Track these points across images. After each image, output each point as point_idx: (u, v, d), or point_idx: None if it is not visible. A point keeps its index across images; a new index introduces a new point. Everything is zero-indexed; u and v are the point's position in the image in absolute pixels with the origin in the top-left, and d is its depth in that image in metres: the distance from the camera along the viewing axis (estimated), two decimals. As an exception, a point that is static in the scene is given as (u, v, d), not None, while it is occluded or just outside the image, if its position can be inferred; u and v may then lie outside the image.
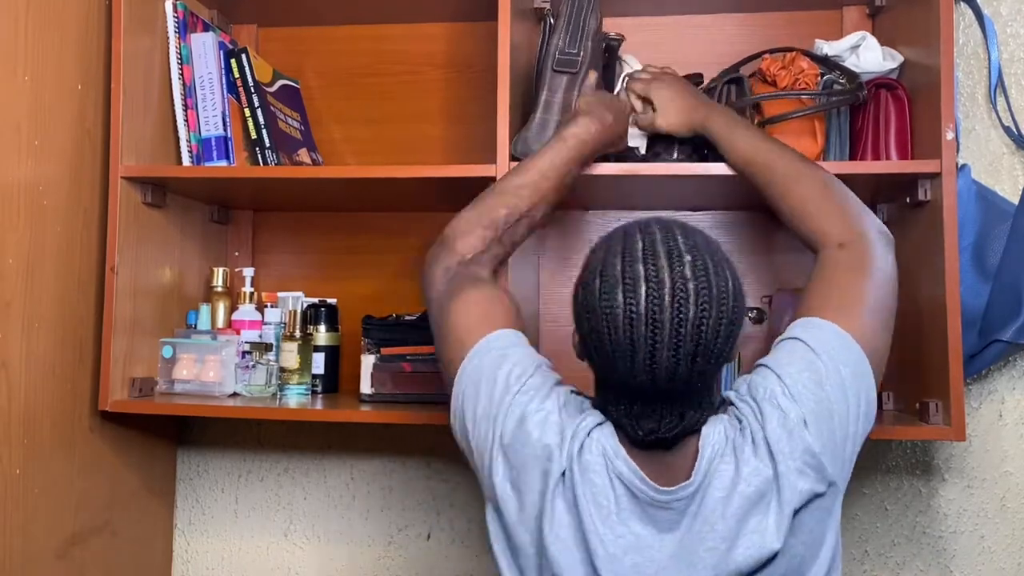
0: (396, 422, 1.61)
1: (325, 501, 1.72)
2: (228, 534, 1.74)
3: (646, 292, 0.86)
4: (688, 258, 0.88)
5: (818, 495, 0.91)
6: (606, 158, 1.34)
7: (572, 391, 0.99)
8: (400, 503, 1.69)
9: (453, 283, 1.06)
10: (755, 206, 1.59)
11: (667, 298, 0.85)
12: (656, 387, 0.88)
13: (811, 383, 0.92)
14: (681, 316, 0.85)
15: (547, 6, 1.50)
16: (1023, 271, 1.40)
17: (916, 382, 1.37)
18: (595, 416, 0.95)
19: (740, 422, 0.92)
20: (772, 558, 0.88)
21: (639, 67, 1.40)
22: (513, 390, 0.94)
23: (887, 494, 1.57)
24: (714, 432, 0.91)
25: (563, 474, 0.91)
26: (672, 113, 1.30)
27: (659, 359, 0.86)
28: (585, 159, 1.20)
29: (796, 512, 0.89)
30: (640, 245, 0.90)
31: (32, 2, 1.30)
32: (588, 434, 0.92)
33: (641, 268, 0.87)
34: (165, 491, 1.70)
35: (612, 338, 0.87)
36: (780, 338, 0.99)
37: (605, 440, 0.92)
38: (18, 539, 1.29)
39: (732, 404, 0.95)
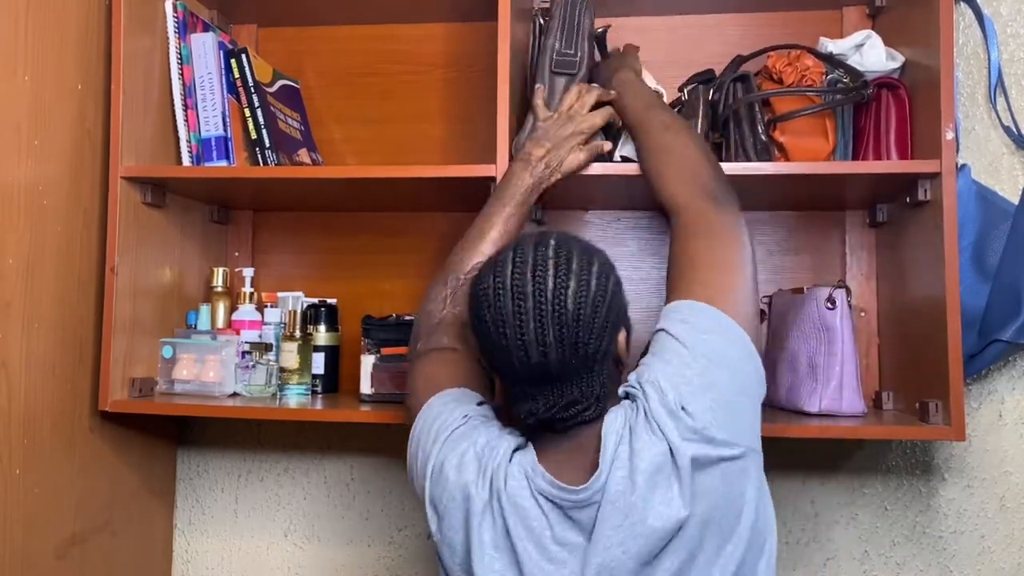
0: (396, 422, 1.61)
1: (325, 501, 1.72)
2: (228, 534, 1.74)
3: (511, 270, 0.94)
4: (552, 242, 0.96)
5: (725, 459, 0.93)
6: (605, 158, 1.34)
7: (504, 428, 1.02)
8: (400, 503, 1.69)
9: (416, 353, 1.18)
10: (755, 207, 1.59)
11: (528, 272, 0.93)
12: (530, 363, 0.92)
13: (683, 369, 0.96)
14: (541, 287, 0.92)
15: (547, 6, 1.50)
16: (1023, 271, 1.40)
17: (916, 382, 1.37)
18: (515, 438, 0.98)
19: (635, 402, 0.96)
20: (681, 526, 0.90)
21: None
22: (440, 441, 1.00)
23: (887, 494, 1.57)
24: (615, 420, 0.94)
25: (487, 505, 0.94)
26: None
27: (527, 331, 0.91)
28: (527, 201, 1.24)
29: (699, 476, 0.91)
30: (516, 241, 1.00)
31: (32, 2, 1.30)
32: (510, 460, 0.95)
33: (510, 252, 0.96)
34: (165, 491, 1.70)
35: (487, 317, 0.94)
36: (655, 329, 1.03)
37: (525, 461, 0.95)
38: (18, 539, 1.29)
39: (628, 395, 0.99)
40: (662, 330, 1.01)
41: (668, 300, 1.05)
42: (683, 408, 0.93)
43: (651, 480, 0.90)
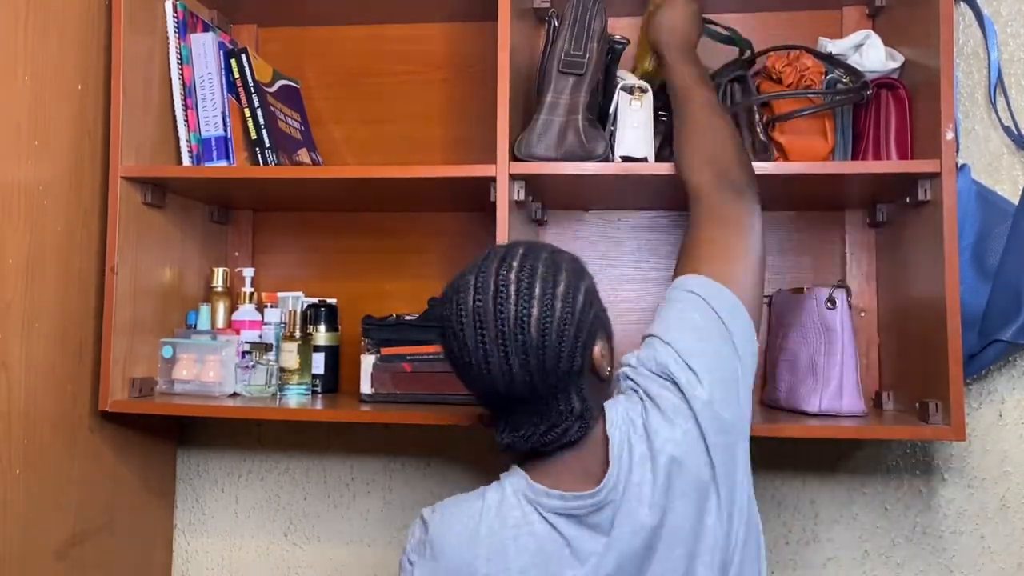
0: (396, 422, 1.62)
1: (325, 501, 1.72)
2: (228, 534, 1.74)
3: (472, 296, 0.91)
4: (515, 264, 0.92)
5: (729, 439, 0.94)
6: (608, 159, 1.34)
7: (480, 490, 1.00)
8: (400, 503, 1.69)
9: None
10: (755, 206, 1.59)
11: (489, 299, 0.90)
12: (498, 392, 0.91)
13: (695, 340, 0.96)
14: (502, 315, 0.89)
15: (547, 6, 1.50)
16: (1023, 271, 1.40)
17: (916, 382, 1.37)
18: (505, 476, 0.98)
19: (639, 394, 0.95)
20: (707, 492, 0.93)
21: (632, 80, 1.40)
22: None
23: (887, 494, 1.57)
24: (616, 415, 0.94)
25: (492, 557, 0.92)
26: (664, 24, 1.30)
27: (491, 359, 0.89)
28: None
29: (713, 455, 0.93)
30: (481, 258, 0.95)
31: (32, 2, 1.30)
32: (502, 498, 0.95)
33: (471, 276, 0.93)
34: (165, 491, 1.70)
35: (453, 346, 0.92)
36: (661, 304, 1.03)
37: (519, 488, 0.95)
38: (18, 539, 1.29)
39: (629, 379, 0.98)
40: (676, 302, 1.00)
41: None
42: (691, 385, 0.93)
43: (673, 470, 0.91)
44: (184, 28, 1.52)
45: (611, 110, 1.39)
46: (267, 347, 1.51)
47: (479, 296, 0.90)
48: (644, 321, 1.61)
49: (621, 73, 1.44)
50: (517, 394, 0.91)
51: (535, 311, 0.89)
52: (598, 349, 0.95)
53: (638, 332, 1.64)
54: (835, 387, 1.36)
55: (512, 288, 0.90)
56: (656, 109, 1.39)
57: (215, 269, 1.60)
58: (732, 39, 1.46)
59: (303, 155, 1.61)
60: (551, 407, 0.92)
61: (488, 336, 0.89)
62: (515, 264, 0.92)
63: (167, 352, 1.50)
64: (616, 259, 1.63)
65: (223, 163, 1.49)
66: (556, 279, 0.92)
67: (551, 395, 0.92)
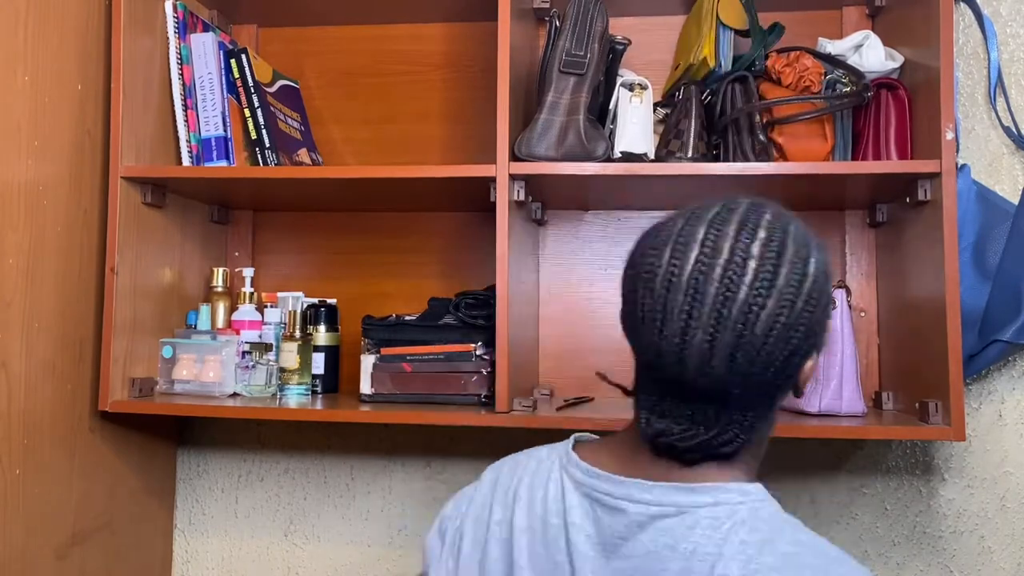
0: (396, 422, 1.62)
1: (325, 501, 1.72)
2: (228, 534, 1.74)
3: (696, 257, 0.71)
4: (762, 234, 0.72)
5: None
6: (609, 159, 1.35)
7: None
8: (400, 503, 1.69)
9: None
10: (755, 206, 1.59)
11: (718, 267, 0.70)
12: (683, 377, 0.72)
13: None
14: (729, 293, 0.70)
15: (547, 6, 1.50)
16: (1023, 271, 1.40)
17: (916, 382, 1.37)
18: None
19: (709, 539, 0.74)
20: None
21: (632, 76, 1.40)
22: None
23: (887, 494, 1.57)
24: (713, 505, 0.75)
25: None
26: None
27: (691, 340, 0.71)
28: None
29: None
30: (715, 210, 0.75)
31: (32, 2, 1.30)
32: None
33: (701, 230, 0.73)
34: (165, 491, 1.70)
35: (644, 304, 0.73)
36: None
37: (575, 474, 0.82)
38: (18, 539, 1.29)
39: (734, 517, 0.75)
40: None
41: None
42: None
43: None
44: (184, 28, 1.52)
45: (611, 106, 1.40)
46: (267, 347, 1.51)
47: (704, 258, 0.71)
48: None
49: (622, 71, 1.45)
50: (701, 387, 0.73)
51: (771, 304, 0.70)
52: (811, 364, 0.77)
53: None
54: (835, 387, 1.36)
55: (752, 263, 0.70)
56: (656, 104, 1.39)
57: (215, 269, 1.60)
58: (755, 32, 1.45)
59: (303, 155, 1.61)
60: (731, 414, 0.75)
61: (699, 312, 0.70)
62: (761, 234, 0.72)
63: (167, 352, 1.50)
64: (616, 259, 1.63)
65: (223, 163, 1.49)
66: (806, 268, 0.72)
67: (737, 402, 0.74)
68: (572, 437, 0.88)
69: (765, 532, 0.73)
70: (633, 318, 0.75)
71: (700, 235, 0.73)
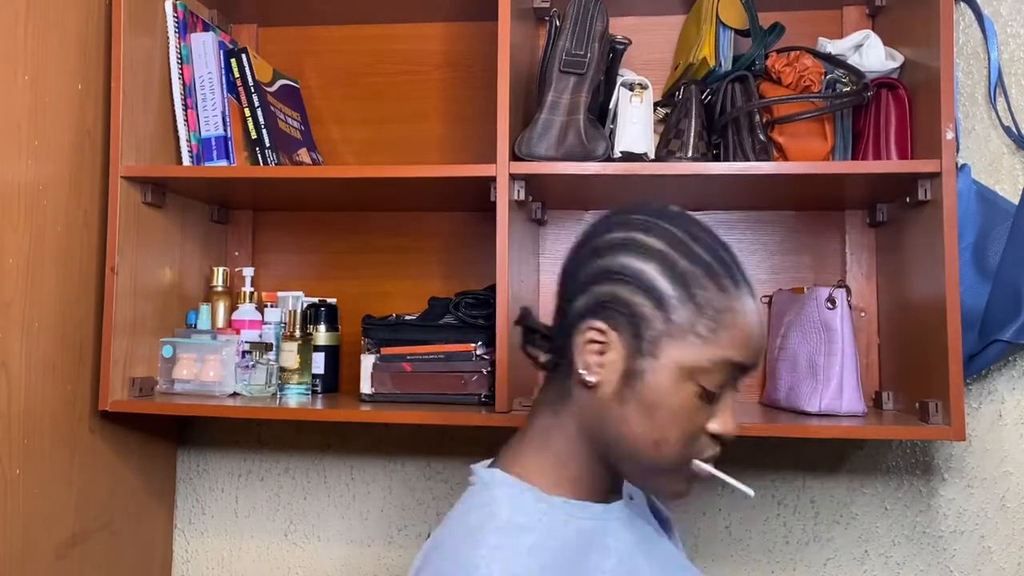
0: (396, 422, 1.61)
1: (325, 501, 1.72)
2: (228, 534, 1.74)
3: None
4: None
5: None
6: (609, 159, 1.35)
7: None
8: (400, 503, 1.69)
9: None
10: (755, 206, 1.59)
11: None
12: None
13: None
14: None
15: (547, 5, 1.50)
16: (1023, 271, 1.40)
17: (916, 382, 1.37)
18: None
19: None
20: None
21: (632, 76, 1.40)
22: None
23: (887, 494, 1.57)
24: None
25: None
26: None
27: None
28: None
29: None
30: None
31: (32, 2, 1.30)
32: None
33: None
34: (165, 491, 1.70)
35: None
36: None
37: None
38: (18, 539, 1.29)
39: None
40: None
41: None
42: None
43: None
44: (184, 28, 1.52)
45: (611, 106, 1.40)
46: (267, 347, 1.51)
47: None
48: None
49: (622, 71, 1.45)
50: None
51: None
52: (583, 338, 0.81)
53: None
54: (835, 387, 1.36)
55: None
56: (656, 104, 1.39)
57: (215, 269, 1.60)
58: (755, 32, 1.45)
59: (303, 155, 1.61)
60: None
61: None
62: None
63: (167, 352, 1.50)
64: (616, 259, 1.63)
65: (223, 163, 1.49)
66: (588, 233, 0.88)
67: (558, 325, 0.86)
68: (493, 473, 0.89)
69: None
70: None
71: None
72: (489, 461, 0.91)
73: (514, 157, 1.33)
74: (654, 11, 1.62)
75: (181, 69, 1.50)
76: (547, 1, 1.51)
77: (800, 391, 1.39)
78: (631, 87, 1.38)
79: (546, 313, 1.63)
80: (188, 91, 1.50)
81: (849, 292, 1.41)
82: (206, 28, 1.57)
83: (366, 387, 1.46)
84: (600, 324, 0.79)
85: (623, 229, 0.82)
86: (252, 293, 1.58)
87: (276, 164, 1.51)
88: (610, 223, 0.84)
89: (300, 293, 1.60)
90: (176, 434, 1.74)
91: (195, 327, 1.54)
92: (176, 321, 1.57)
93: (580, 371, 0.81)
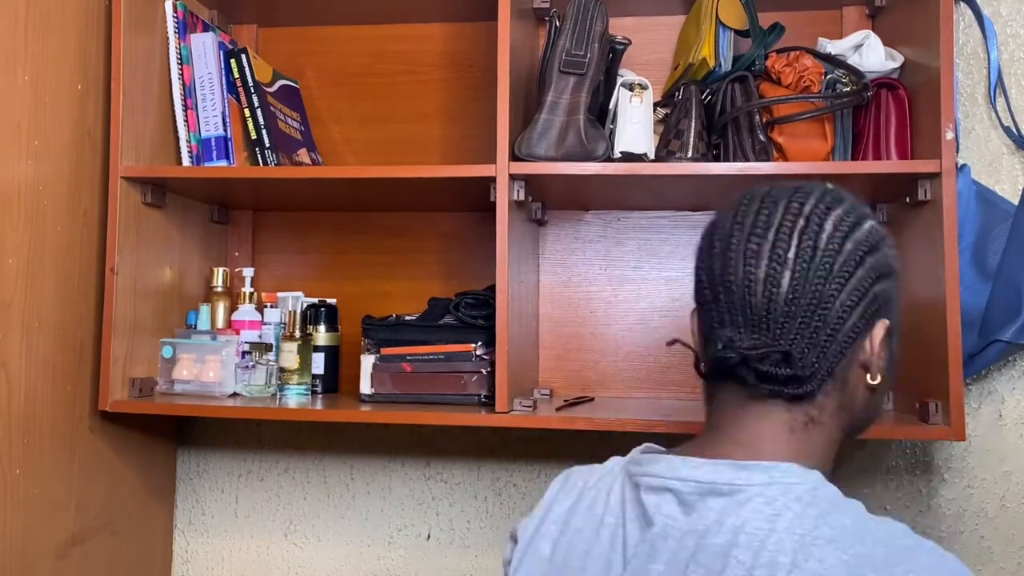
0: (396, 422, 1.62)
1: (325, 501, 1.72)
2: (228, 534, 1.74)
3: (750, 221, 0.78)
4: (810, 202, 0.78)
5: None
6: (609, 159, 1.35)
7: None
8: (400, 503, 1.69)
9: None
10: (755, 206, 1.59)
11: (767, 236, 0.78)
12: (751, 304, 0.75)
13: None
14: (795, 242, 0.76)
15: (547, 6, 1.50)
16: (1023, 271, 1.40)
17: (916, 382, 1.37)
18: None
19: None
20: None
21: (632, 76, 1.40)
22: None
23: (887, 494, 1.57)
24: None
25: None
26: None
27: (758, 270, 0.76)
28: None
29: None
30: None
31: (32, 2, 1.30)
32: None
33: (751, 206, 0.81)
34: (165, 491, 1.70)
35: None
36: None
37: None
38: (18, 539, 1.29)
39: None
40: None
41: None
42: None
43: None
44: (184, 28, 1.52)
45: (611, 106, 1.40)
46: (267, 347, 1.51)
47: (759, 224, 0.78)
48: (644, 321, 1.61)
49: (622, 71, 1.45)
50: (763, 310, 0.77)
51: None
52: (879, 334, 0.78)
53: (637, 331, 1.65)
54: (835, 387, 1.36)
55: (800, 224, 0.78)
56: (656, 104, 1.39)
57: (215, 269, 1.60)
58: (755, 32, 1.45)
59: (303, 155, 1.61)
60: (793, 338, 0.76)
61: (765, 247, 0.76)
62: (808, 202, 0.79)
63: (167, 352, 1.50)
64: (616, 259, 1.63)
65: (223, 163, 1.49)
66: (852, 229, 0.80)
67: (804, 335, 0.76)
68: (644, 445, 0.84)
69: (823, 507, 0.70)
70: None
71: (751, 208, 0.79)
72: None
73: (514, 157, 1.33)
74: (654, 11, 1.62)
75: (181, 69, 1.50)
76: (547, 1, 1.51)
77: (800, 391, 1.39)
78: (631, 87, 1.38)
79: (546, 313, 1.63)
80: (188, 91, 1.50)
81: (849, 292, 1.41)
82: (206, 28, 1.57)
83: (366, 387, 1.46)
84: (887, 322, 0.78)
85: (861, 216, 0.77)
86: (252, 293, 1.58)
87: (276, 164, 1.51)
88: (833, 211, 0.76)
89: (300, 293, 1.60)
90: (176, 434, 1.74)
91: (195, 327, 1.54)
92: (176, 321, 1.57)
93: (872, 376, 0.77)
